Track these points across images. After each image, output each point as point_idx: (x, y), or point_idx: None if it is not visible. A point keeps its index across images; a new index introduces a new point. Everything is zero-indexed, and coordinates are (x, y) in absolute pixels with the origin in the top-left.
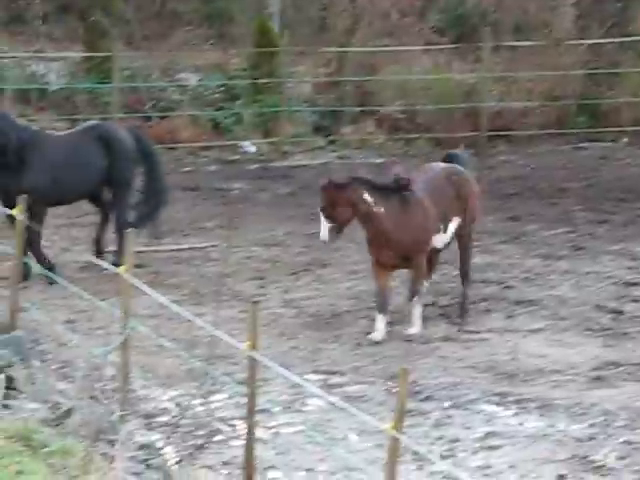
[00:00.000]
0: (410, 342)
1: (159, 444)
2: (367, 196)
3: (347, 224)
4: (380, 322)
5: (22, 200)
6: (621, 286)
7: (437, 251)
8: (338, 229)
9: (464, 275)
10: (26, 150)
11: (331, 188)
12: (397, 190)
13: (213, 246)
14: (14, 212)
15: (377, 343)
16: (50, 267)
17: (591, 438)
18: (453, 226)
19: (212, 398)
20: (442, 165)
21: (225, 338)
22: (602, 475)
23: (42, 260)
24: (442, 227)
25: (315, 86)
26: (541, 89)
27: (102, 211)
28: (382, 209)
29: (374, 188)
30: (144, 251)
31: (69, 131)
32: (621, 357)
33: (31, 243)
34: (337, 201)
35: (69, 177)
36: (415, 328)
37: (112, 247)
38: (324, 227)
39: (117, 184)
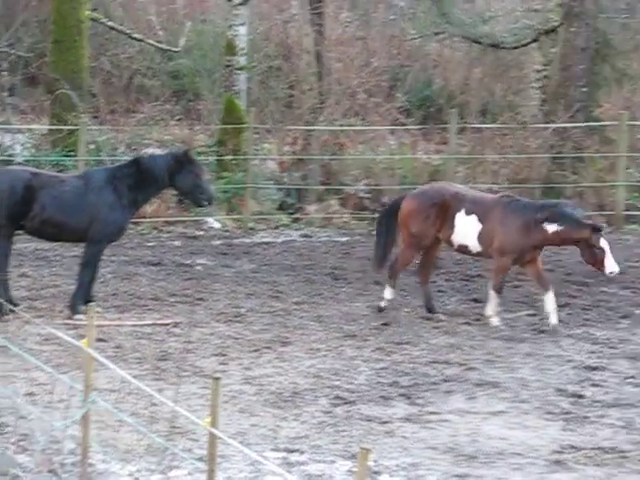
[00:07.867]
0: (370, 422)
1: None
2: None
3: None
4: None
5: None
6: (582, 370)
7: None
8: None
9: None
10: None
11: None
12: None
13: (176, 323)
14: None
15: (338, 421)
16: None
17: None
18: None
19: (171, 474)
20: None
21: (185, 414)
22: None
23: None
24: None
25: (280, 164)
26: (506, 171)
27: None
28: None
29: None
30: (107, 325)
31: None
32: (581, 440)
33: None
34: None
35: None
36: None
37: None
38: None
39: None
